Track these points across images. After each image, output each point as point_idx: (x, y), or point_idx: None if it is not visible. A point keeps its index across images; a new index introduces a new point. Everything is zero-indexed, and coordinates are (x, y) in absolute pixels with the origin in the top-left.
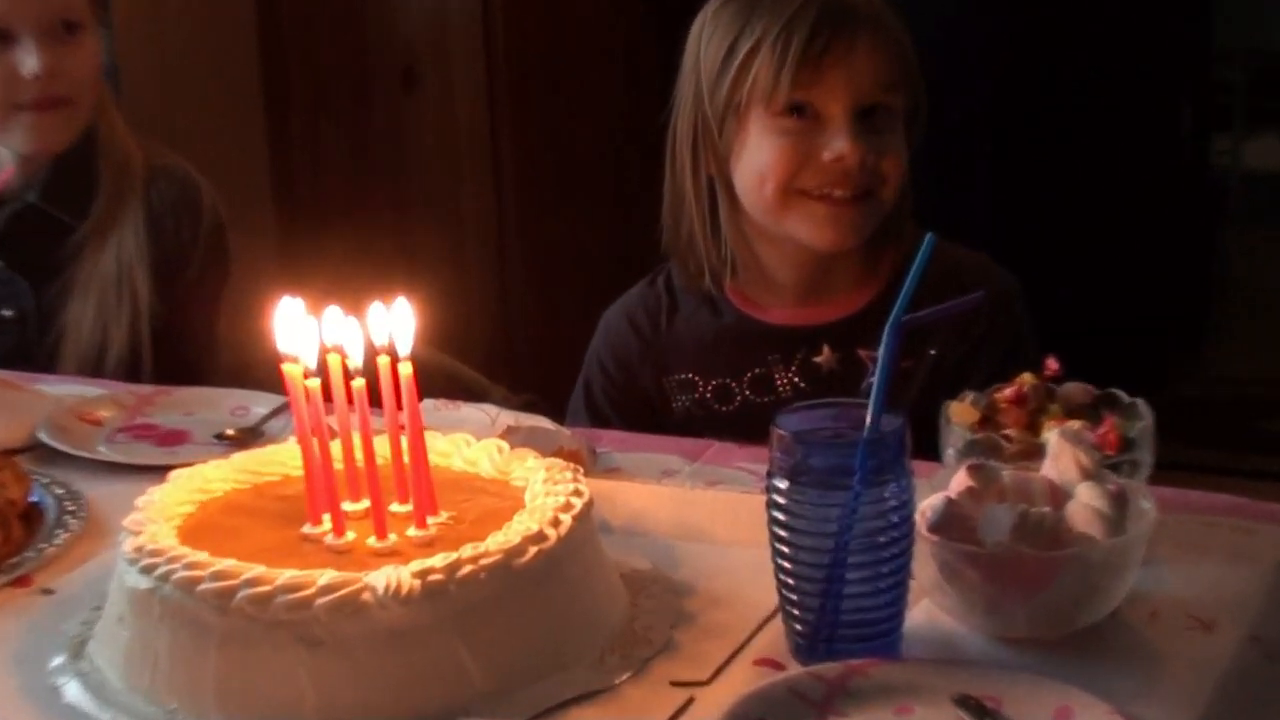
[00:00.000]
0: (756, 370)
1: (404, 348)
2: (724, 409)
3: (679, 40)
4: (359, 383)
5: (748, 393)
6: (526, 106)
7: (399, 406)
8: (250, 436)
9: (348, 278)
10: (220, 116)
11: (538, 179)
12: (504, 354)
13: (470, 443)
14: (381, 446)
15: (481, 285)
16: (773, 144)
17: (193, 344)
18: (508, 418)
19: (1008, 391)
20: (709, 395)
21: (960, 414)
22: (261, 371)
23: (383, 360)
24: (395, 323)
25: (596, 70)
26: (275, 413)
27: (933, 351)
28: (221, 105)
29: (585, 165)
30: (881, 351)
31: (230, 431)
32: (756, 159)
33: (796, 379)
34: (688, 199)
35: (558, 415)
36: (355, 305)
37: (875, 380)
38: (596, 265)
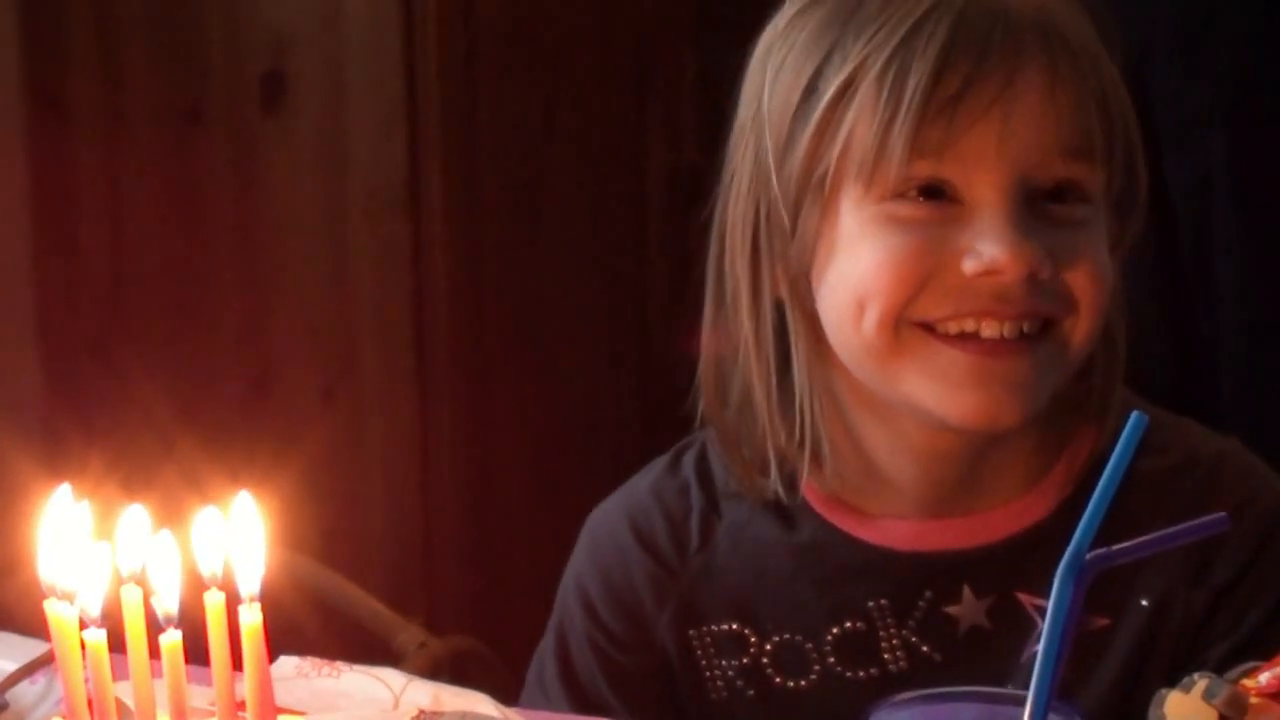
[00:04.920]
0: (849, 623)
1: (250, 578)
2: (792, 685)
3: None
4: (172, 636)
5: (832, 660)
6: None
7: (236, 672)
8: None
9: (159, 451)
10: None
11: (475, 297)
12: (420, 570)
13: None
14: None
15: (389, 460)
16: (878, 245)
17: None
18: (420, 694)
19: (1267, 677)
20: (767, 661)
21: (1184, 714)
22: (10, 593)
23: (212, 600)
24: (236, 536)
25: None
26: (29, 671)
27: (1144, 602)
28: None
29: (559, 256)
30: (1051, 607)
31: None
32: (851, 270)
33: (915, 640)
34: (743, 337)
35: (512, 679)
36: (171, 504)
37: (1040, 653)
38: (571, 433)
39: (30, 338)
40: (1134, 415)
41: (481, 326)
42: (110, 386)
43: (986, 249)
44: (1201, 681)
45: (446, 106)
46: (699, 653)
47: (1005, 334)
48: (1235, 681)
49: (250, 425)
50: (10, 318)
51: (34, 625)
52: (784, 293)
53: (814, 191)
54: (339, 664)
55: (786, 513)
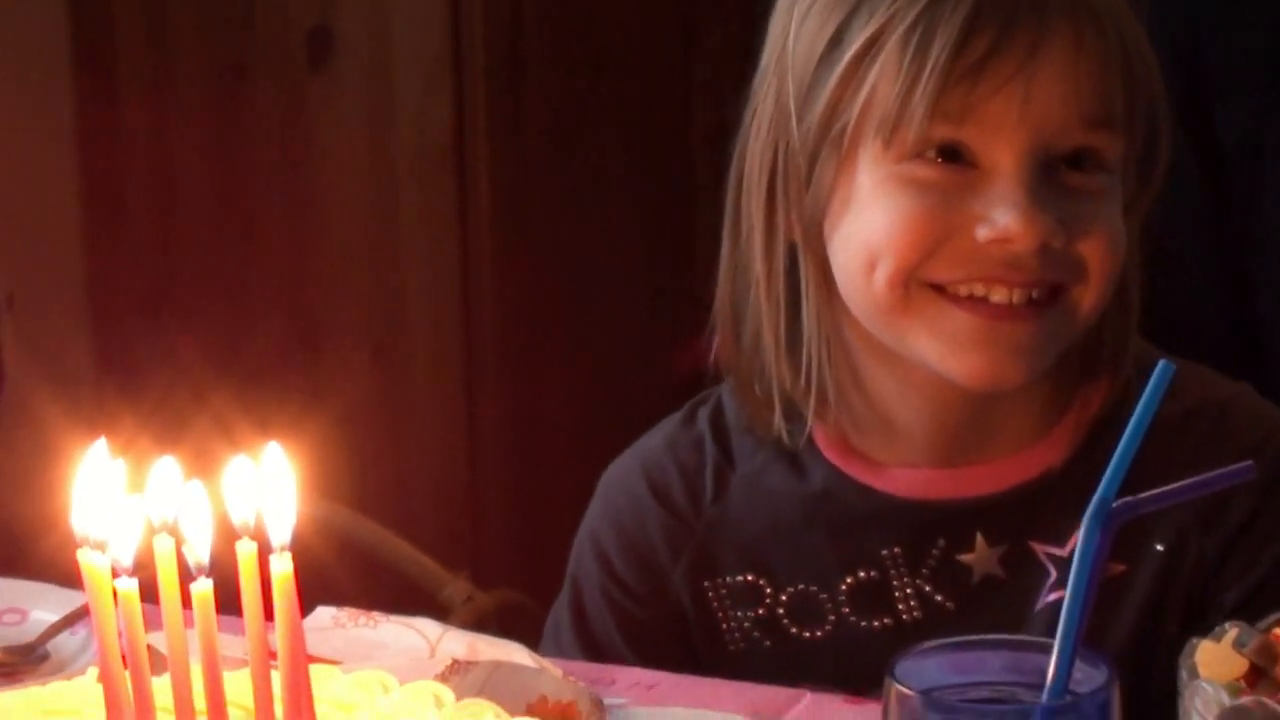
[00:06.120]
0: (863, 573)
1: (280, 528)
2: (808, 635)
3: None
4: (203, 585)
5: (846, 610)
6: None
7: (268, 621)
8: (24, 660)
9: (203, 407)
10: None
11: (521, 253)
12: (467, 524)
13: (390, 686)
14: (240, 687)
15: (436, 416)
16: (893, 205)
17: None
18: (455, 643)
19: None
20: (783, 612)
21: (1215, 662)
22: (52, 547)
23: (244, 549)
24: (266, 487)
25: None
26: (69, 622)
27: (1159, 547)
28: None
29: (604, 211)
30: (1078, 555)
31: None
32: (864, 226)
33: (929, 589)
34: (755, 278)
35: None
36: (209, 455)
37: (1066, 602)
38: (617, 387)
39: (79, 295)
40: (1160, 364)
41: (528, 283)
42: (157, 342)
43: (1000, 217)
44: (1232, 630)
45: (492, 64)
46: (715, 604)
47: (1014, 300)
48: (1266, 630)
49: (298, 382)
50: (60, 275)
51: (73, 577)
52: (797, 237)
53: (832, 144)
54: (376, 615)
55: (799, 463)
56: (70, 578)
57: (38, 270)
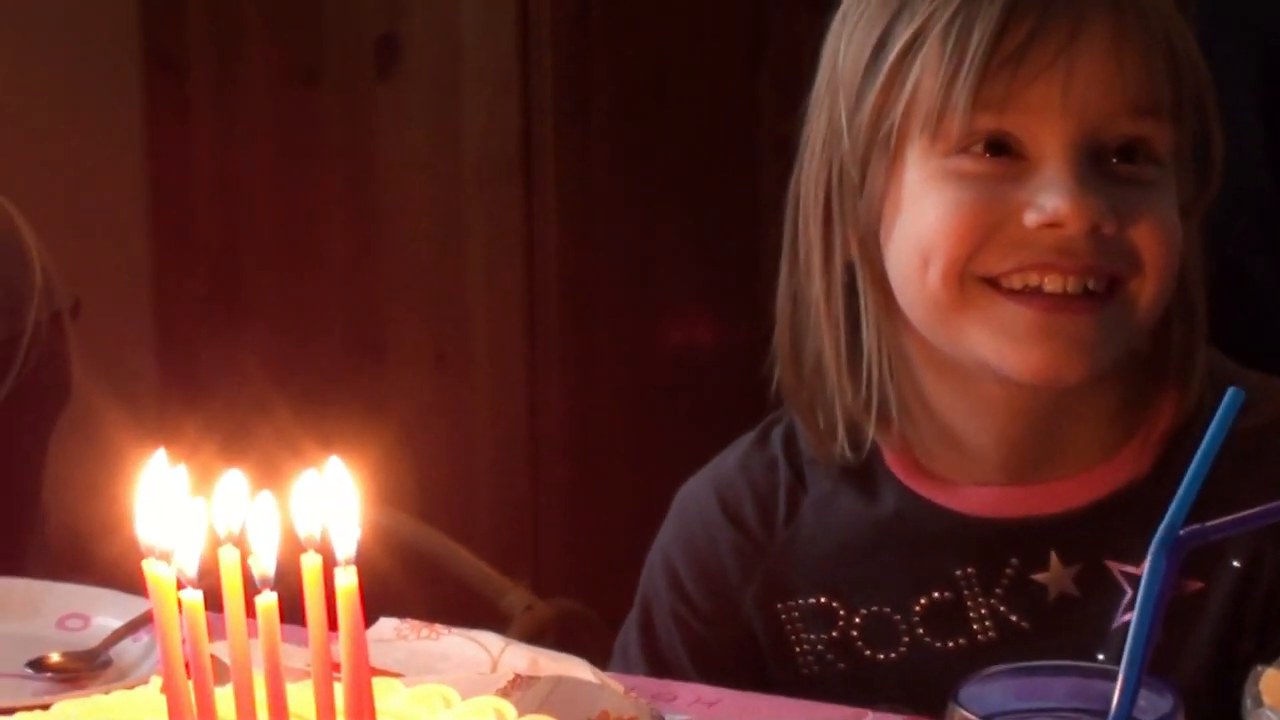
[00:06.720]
0: (936, 593)
1: (345, 541)
2: (882, 657)
3: None
4: (267, 598)
5: (921, 631)
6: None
7: (332, 633)
8: (87, 667)
9: (265, 413)
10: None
11: (585, 262)
12: (527, 533)
13: (452, 701)
14: (302, 699)
15: (498, 425)
16: (941, 198)
17: (2, 496)
18: (517, 658)
19: None
20: (856, 634)
21: (1279, 690)
22: (115, 553)
23: (309, 562)
24: (331, 500)
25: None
26: (132, 628)
27: (1235, 563)
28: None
29: (670, 221)
30: (1144, 583)
31: (54, 657)
32: (914, 223)
33: (1004, 609)
34: (814, 298)
35: (612, 639)
36: (274, 466)
37: (1132, 629)
38: (681, 398)
39: (144, 303)
40: (1230, 391)
41: (592, 291)
42: (221, 349)
43: (1049, 201)
44: None
45: (559, 72)
46: (787, 626)
47: (1069, 289)
48: None
49: (361, 389)
50: (126, 282)
51: (136, 583)
52: (854, 253)
53: (880, 146)
54: (438, 627)
55: (871, 484)
56: (133, 584)
57: (104, 278)
